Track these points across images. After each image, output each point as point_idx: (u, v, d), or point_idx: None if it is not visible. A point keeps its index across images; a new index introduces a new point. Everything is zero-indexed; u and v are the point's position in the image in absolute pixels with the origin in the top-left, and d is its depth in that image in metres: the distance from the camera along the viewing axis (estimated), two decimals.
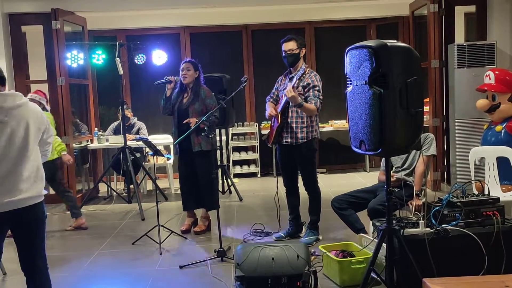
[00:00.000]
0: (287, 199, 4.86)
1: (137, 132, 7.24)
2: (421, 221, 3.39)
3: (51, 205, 6.76)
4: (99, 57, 6.83)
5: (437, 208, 3.43)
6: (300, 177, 4.74)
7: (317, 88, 4.47)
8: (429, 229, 3.35)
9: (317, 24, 8.55)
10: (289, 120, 4.56)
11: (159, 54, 6.92)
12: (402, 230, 3.30)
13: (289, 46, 4.56)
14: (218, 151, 6.89)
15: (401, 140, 3.05)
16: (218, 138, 6.64)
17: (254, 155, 8.47)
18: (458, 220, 3.38)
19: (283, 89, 4.64)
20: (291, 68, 4.63)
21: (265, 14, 8.20)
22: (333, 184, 7.32)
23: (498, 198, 3.52)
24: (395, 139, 3.02)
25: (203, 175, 5.02)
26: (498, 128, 4.96)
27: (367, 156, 8.38)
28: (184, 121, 4.90)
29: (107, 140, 7.05)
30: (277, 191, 4.82)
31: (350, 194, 4.44)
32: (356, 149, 3.26)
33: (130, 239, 5.00)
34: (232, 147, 8.37)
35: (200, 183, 5.05)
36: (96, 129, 7.34)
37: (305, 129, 4.54)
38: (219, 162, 6.88)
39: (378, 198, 4.15)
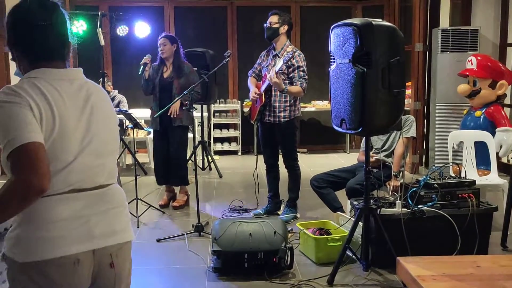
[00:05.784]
0: (267, 177, 4.86)
1: (118, 105, 7.14)
2: (398, 202, 3.43)
3: None
4: (80, 27, 6.70)
5: (414, 189, 3.47)
6: (280, 155, 4.75)
7: (301, 69, 4.45)
8: (405, 209, 3.40)
9: (303, 3, 8.48)
10: (272, 99, 4.53)
11: (142, 26, 6.80)
12: (379, 210, 3.34)
13: (271, 19, 4.54)
14: (199, 127, 6.85)
15: (381, 120, 3.07)
16: (199, 114, 6.59)
17: (236, 133, 8.44)
18: (434, 201, 3.43)
19: (266, 66, 4.61)
20: (274, 44, 4.59)
21: None
22: (313, 163, 7.35)
23: (474, 181, 3.58)
24: (375, 119, 3.04)
25: (175, 149, 5.03)
26: (478, 113, 5.01)
27: (348, 137, 8.42)
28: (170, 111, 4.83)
29: None
30: (256, 168, 4.81)
31: (329, 173, 4.46)
32: (337, 128, 3.28)
33: None
34: (214, 124, 8.33)
35: (172, 157, 5.05)
36: None
37: (288, 108, 4.53)
38: (199, 138, 6.85)
39: (357, 178, 4.17)
